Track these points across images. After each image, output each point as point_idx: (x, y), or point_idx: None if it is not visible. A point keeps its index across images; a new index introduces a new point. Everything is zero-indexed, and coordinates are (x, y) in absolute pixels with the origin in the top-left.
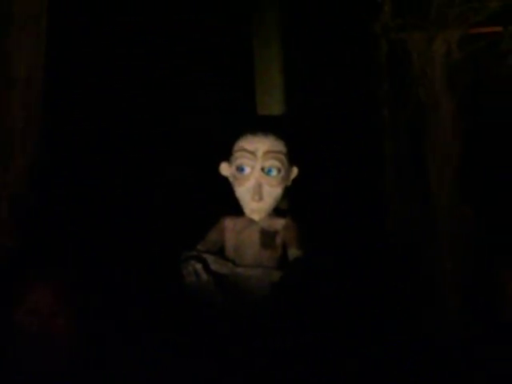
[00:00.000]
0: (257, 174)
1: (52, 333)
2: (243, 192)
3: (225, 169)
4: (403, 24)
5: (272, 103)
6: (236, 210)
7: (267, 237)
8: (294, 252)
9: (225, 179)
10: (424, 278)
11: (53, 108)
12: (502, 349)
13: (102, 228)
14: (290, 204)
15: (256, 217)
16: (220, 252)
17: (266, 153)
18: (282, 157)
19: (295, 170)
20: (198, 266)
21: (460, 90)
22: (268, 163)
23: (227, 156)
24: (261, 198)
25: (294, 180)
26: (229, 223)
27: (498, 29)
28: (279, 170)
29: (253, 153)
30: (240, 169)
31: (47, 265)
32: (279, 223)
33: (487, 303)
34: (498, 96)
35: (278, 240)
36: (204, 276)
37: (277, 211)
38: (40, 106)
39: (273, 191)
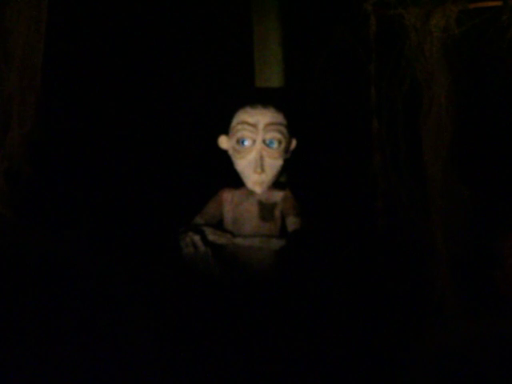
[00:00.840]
0: (258, 146)
1: None
2: (244, 165)
3: (224, 142)
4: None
5: (271, 76)
6: (234, 182)
7: (266, 209)
8: (292, 220)
9: (223, 152)
10: (419, 261)
11: (51, 82)
12: (501, 323)
13: (98, 200)
14: (288, 176)
15: (258, 189)
16: (219, 225)
17: (268, 125)
18: (283, 129)
19: (294, 142)
20: (196, 238)
21: (457, 66)
22: (269, 135)
23: (226, 129)
24: (263, 170)
25: (293, 152)
26: (227, 196)
27: (498, 3)
28: (280, 142)
29: (254, 125)
30: (241, 141)
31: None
32: (278, 195)
33: (486, 279)
34: (497, 72)
35: (277, 212)
36: (202, 247)
37: (275, 183)
38: (39, 78)
39: (274, 163)
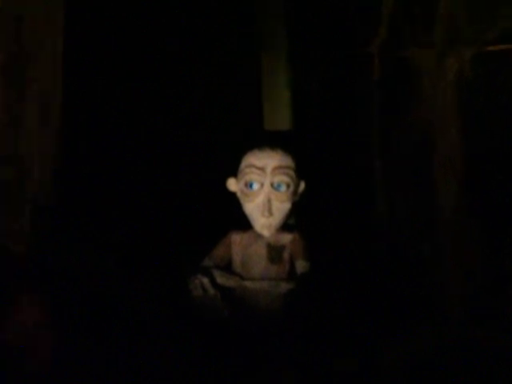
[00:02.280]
0: (266, 189)
1: (38, 346)
2: (253, 208)
3: (232, 184)
4: (407, 41)
5: (279, 119)
6: (243, 224)
7: (274, 252)
8: (301, 263)
9: (232, 194)
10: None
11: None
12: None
13: (108, 237)
14: (297, 218)
15: (266, 233)
16: (228, 267)
17: (275, 168)
18: (291, 172)
19: (303, 185)
20: (205, 280)
21: (472, 112)
22: (277, 179)
23: (235, 172)
24: (271, 214)
25: (302, 195)
26: (236, 238)
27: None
28: (288, 186)
29: (262, 169)
30: (249, 185)
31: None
32: (286, 238)
33: (495, 313)
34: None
35: (286, 255)
36: (211, 290)
37: (284, 226)
38: (58, 110)
39: (282, 206)
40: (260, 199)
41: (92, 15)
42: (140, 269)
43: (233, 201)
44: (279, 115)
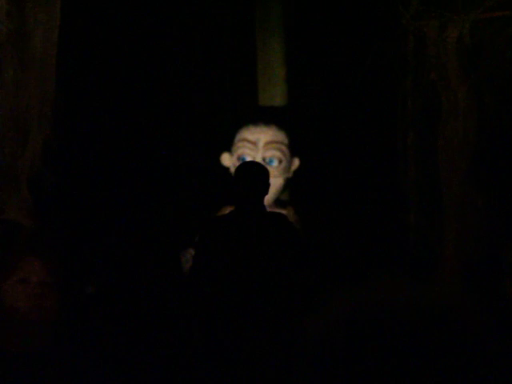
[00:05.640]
0: None
1: (41, 303)
2: None
3: (226, 159)
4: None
5: (274, 95)
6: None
7: None
8: None
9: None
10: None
11: (66, 88)
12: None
13: (106, 211)
14: (291, 194)
15: None
16: None
17: (268, 143)
18: (284, 147)
19: (297, 162)
20: None
21: (472, 75)
22: (269, 153)
23: (229, 147)
24: None
25: (296, 171)
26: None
27: (508, 12)
28: (280, 161)
29: (254, 143)
30: (241, 159)
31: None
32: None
33: (495, 288)
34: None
35: None
36: None
37: (278, 202)
38: (53, 84)
39: (274, 182)
40: None
41: (87, 12)
42: (134, 241)
43: (226, 177)
44: (275, 91)
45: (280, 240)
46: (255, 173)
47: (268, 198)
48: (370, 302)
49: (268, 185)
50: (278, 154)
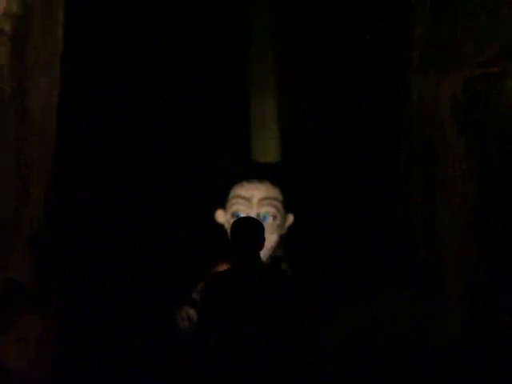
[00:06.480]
0: None
1: (38, 362)
2: None
3: (220, 216)
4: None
5: (268, 150)
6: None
7: None
8: None
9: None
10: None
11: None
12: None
13: (103, 268)
14: (285, 251)
15: None
16: None
17: (262, 199)
18: (278, 203)
19: (291, 218)
20: (192, 312)
21: (467, 129)
22: (263, 209)
23: (223, 203)
24: None
25: (290, 227)
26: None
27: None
28: (275, 217)
29: (248, 199)
30: (235, 215)
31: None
32: None
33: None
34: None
35: None
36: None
37: (272, 258)
38: (54, 139)
39: (268, 238)
40: None
41: (89, 14)
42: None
43: (220, 233)
44: (268, 146)
45: (278, 296)
46: (251, 227)
47: (263, 255)
48: (379, 317)
49: (264, 239)
50: (272, 210)
